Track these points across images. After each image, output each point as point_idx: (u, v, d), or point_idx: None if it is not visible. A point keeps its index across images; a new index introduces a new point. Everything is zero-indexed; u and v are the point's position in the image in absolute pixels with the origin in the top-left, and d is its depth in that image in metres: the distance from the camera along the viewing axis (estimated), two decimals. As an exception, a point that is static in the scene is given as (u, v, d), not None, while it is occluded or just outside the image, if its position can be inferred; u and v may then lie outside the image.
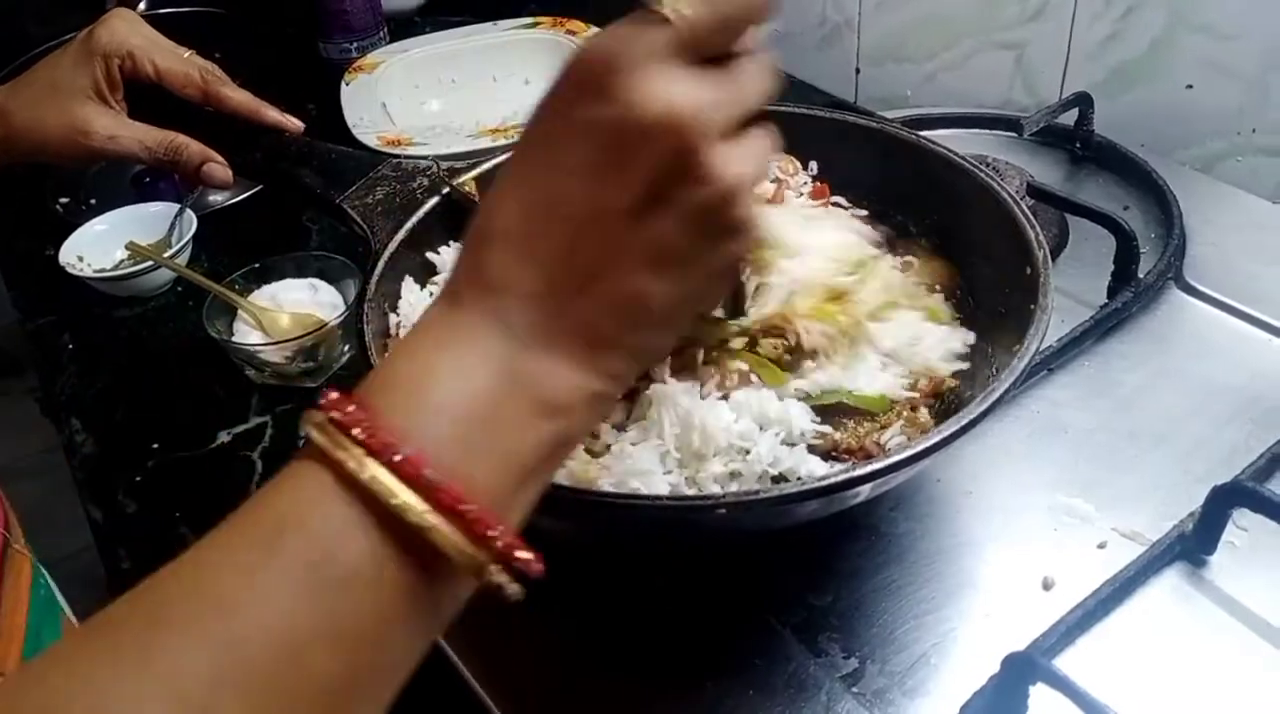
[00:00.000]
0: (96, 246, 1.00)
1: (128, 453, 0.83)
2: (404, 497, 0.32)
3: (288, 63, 1.35)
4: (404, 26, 1.39)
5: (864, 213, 0.69)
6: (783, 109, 0.70)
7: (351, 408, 0.34)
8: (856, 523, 0.63)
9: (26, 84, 0.72)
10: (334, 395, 0.34)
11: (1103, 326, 0.74)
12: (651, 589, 0.61)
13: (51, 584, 0.77)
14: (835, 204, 0.70)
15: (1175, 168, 0.92)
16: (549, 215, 0.36)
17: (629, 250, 0.36)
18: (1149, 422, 0.68)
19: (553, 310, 0.36)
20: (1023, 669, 0.51)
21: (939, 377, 0.60)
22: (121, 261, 0.99)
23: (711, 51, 0.36)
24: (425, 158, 0.72)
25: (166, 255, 0.96)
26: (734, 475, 0.55)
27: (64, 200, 1.13)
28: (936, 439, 0.49)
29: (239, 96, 0.75)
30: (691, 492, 0.54)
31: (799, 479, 0.54)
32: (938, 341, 0.61)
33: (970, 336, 0.62)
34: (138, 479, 0.81)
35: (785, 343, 0.59)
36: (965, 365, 0.61)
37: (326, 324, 0.84)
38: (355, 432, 0.33)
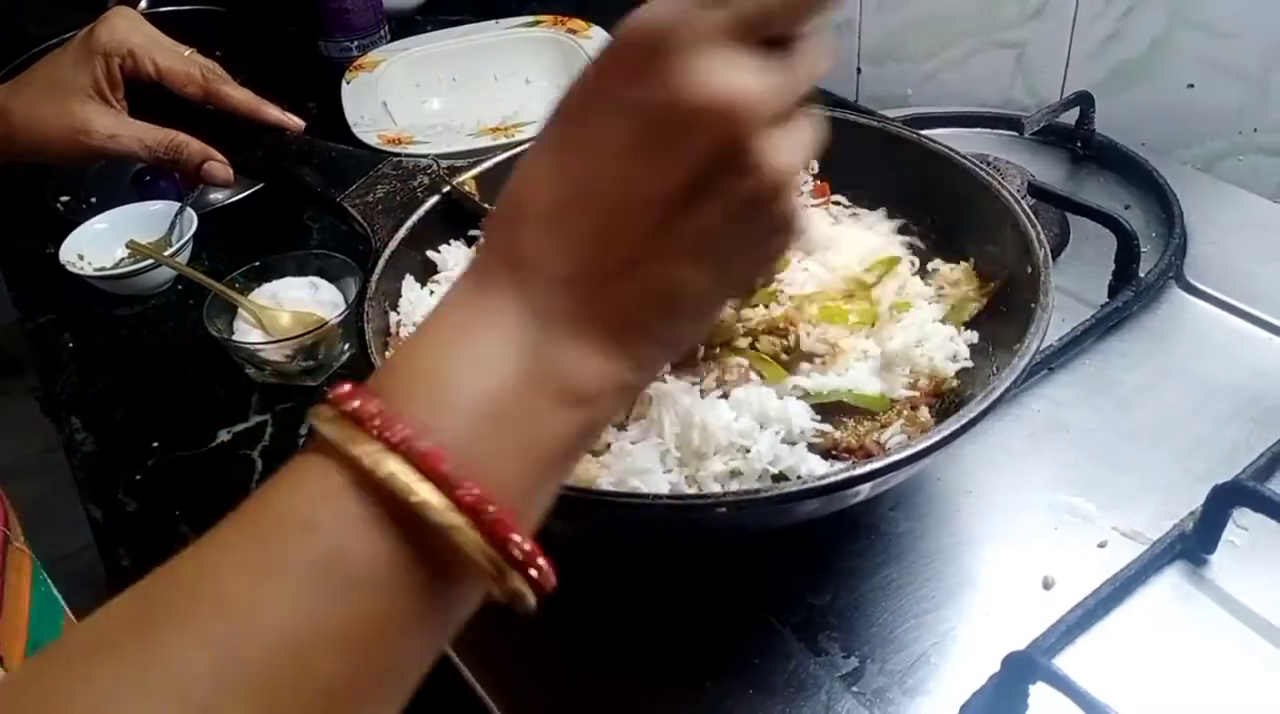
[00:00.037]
0: (97, 245, 1.00)
1: (128, 452, 0.83)
2: (424, 494, 0.31)
3: (288, 61, 1.35)
4: (405, 25, 1.39)
5: (900, 221, 0.69)
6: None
7: (366, 400, 0.32)
8: (856, 522, 0.63)
9: (27, 83, 0.72)
10: (346, 387, 0.33)
11: (1103, 326, 0.74)
12: (651, 589, 0.61)
13: (50, 583, 0.77)
14: (835, 203, 0.70)
15: (1176, 167, 0.92)
16: (587, 196, 0.34)
17: (668, 237, 0.34)
18: (1150, 421, 0.68)
19: (584, 295, 0.34)
20: (1023, 668, 0.50)
21: (940, 376, 0.60)
22: (122, 260, 0.99)
23: (771, 34, 0.34)
24: (426, 156, 0.72)
25: (167, 254, 0.96)
26: (734, 474, 0.55)
27: (64, 199, 1.13)
28: (936, 438, 0.49)
29: (240, 95, 0.74)
30: (691, 490, 0.54)
31: (799, 478, 0.54)
32: (943, 342, 0.61)
33: (972, 337, 0.62)
34: (138, 478, 0.81)
35: (785, 342, 0.59)
36: (968, 365, 0.61)
37: (327, 323, 0.84)
38: (371, 425, 0.31)
